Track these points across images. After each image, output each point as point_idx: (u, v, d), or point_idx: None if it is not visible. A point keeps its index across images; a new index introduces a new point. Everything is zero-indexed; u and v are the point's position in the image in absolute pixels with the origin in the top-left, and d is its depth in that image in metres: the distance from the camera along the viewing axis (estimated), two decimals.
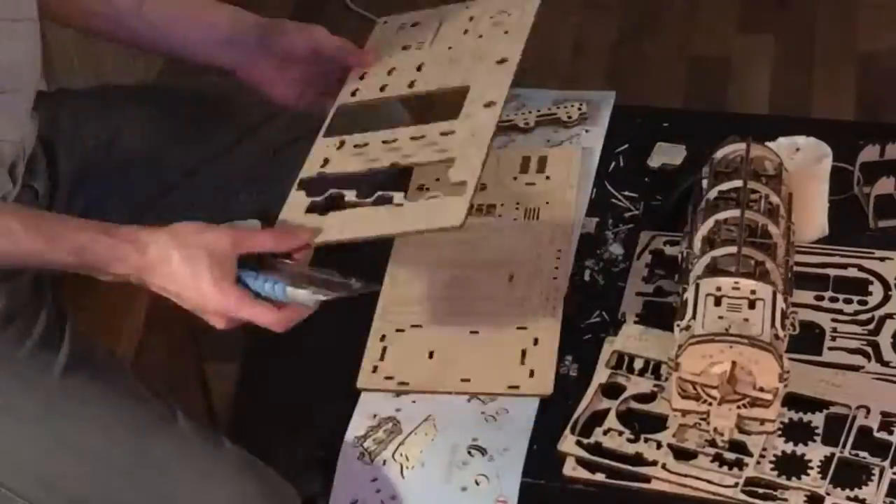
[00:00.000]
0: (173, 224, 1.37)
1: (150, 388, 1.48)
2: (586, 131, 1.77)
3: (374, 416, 1.43)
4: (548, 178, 1.68)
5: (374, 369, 1.48)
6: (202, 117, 1.70)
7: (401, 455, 1.40)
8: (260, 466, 1.47)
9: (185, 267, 1.33)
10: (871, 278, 1.54)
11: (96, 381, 1.45)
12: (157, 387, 1.50)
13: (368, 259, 1.50)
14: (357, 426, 1.42)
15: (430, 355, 1.48)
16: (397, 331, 1.51)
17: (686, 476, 1.34)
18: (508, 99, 1.65)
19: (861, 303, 1.51)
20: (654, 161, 1.72)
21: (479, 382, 1.45)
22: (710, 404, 1.35)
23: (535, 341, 1.48)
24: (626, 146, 1.75)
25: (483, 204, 1.63)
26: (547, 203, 1.65)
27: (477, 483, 1.38)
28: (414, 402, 1.44)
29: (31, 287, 1.50)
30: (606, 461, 1.36)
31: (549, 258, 1.58)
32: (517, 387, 1.44)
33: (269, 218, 1.46)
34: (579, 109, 1.79)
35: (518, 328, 1.49)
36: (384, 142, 1.47)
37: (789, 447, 1.36)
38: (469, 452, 1.40)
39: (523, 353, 1.47)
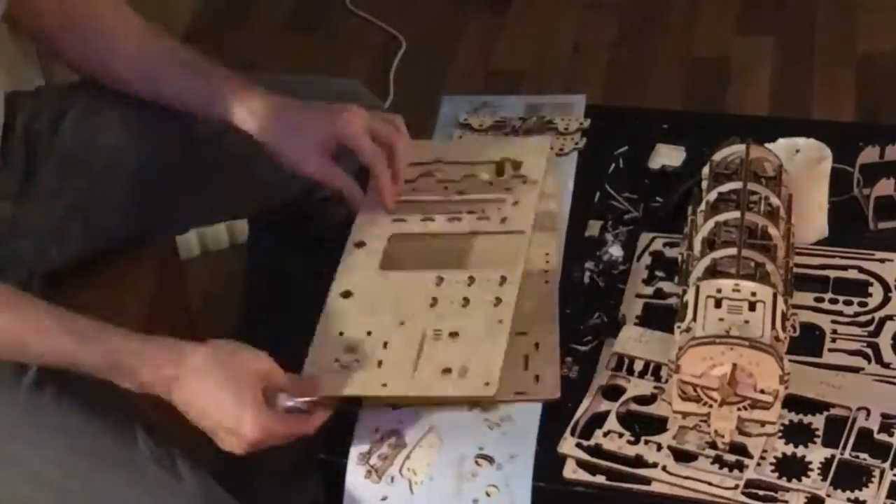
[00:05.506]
0: (210, 340, 1.35)
1: (114, 399, 1.42)
2: None
3: (377, 430, 1.41)
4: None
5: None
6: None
7: (408, 470, 1.38)
8: (218, 496, 1.44)
9: (226, 387, 1.32)
10: (871, 280, 1.54)
11: (60, 402, 1.41)
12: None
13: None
14: (360, 441, 1.40)
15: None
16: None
17: (686, 478, 1.34)
18: (478, 106, 1.71)
19: (861, 304, 1.51)
20: (654, 163, 1.72)
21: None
22: (711, 406, 1.35)
23: (536, 346, 1.46)
24: (625, 148, 1.75)
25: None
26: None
27: (488, 494, 1.36)
28: (415, 413, 1.41)
29: None
30: (607, 463, 1.36)
31: (538, 261, 1.56)
32: (524, 392, 1.42)
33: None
34: (579, 123, 1.78)
35: (517, 334, 1.45)
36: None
37: (789, 449, 1.36)
38: (476, 462, 1.38)
39: (526, 358, 1.45)
